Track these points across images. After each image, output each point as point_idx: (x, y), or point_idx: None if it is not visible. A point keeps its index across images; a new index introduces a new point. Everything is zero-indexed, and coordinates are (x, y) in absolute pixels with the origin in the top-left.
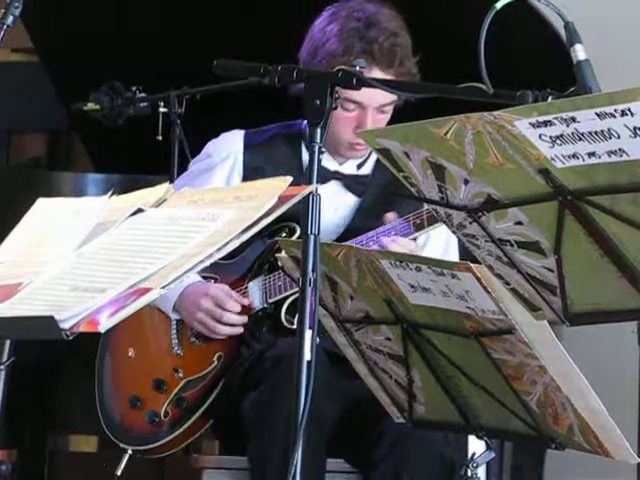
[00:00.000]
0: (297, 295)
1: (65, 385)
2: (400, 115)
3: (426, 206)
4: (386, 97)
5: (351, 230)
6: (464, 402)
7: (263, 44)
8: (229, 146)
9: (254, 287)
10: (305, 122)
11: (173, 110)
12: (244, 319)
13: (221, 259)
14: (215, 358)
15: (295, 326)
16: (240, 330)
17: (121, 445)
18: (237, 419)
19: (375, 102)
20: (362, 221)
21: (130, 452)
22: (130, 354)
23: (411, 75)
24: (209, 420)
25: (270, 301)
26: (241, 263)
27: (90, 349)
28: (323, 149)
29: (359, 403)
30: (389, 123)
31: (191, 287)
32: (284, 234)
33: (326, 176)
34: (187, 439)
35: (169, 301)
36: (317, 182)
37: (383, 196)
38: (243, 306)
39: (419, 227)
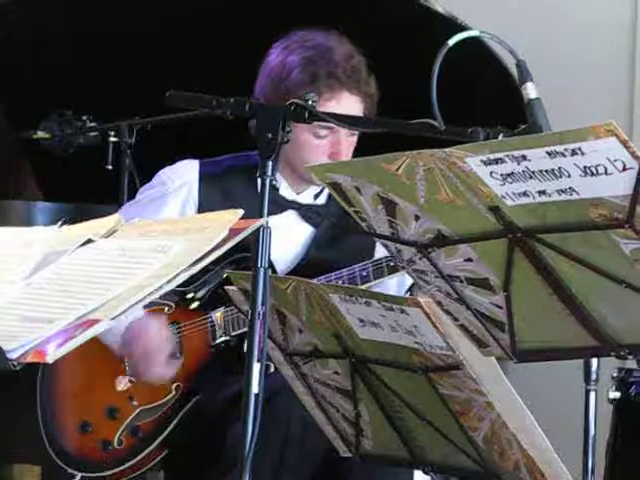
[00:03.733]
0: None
1: (4, 414)
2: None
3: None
4: None
5: (307, 260)
6: (411, 437)
7: (217, 76)
8: (184, 175)
9: (216, 318)
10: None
11: (123, 140)
12: (172, 370)
13: (178, 286)
14: (173, 388)
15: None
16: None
17: (69, 470)
18: (197, 450)
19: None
20: (317, 252)
21: (79, 478)
22: (78, 380)
23: (374, 93)
24: (164, 450)
25: (233, 333)
26: (199, 290)
27: (29, 376)
28: (275, 182)
29: None
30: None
31: (131, 328)
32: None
33: (283, 205)
34: (141, 468)
35: (116, 337)
36: (274, 211)
37: (337, 227)
38: (204, 338)
39: (365, 280)
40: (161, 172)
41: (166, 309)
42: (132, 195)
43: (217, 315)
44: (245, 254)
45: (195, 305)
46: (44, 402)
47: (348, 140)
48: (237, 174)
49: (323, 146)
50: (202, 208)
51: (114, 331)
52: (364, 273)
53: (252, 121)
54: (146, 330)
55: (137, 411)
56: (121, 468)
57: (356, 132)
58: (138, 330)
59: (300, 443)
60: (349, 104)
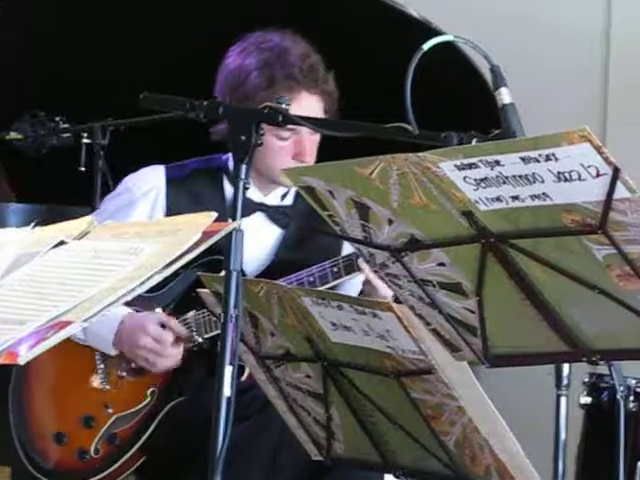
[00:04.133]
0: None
1: None
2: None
3: (343, 253)
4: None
5: (276, 261)
6: (382, 441)
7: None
8: (151, 181)
9: (188, 321)
10: (225, 156)
11: (96, 141)
12: (181, 348)
13: (146, 291)
14: (148, 393)
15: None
16: (179, 360)
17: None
18: (176, 455)
19: None
20: (286, 252)
21: None
22: (51, 390)
23: (333, 91)
24: (141, 457)
25: (205, 336)
26: (167, 295)
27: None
28: (248, 185)
29: None
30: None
31: (128, 322)
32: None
33: (251, 207)
34: (119, 476)
35: (106, 340)
36: (243, 213)
37: (305, 228)
38: (180, 338)
39: (336, 275)
40: (126, 179)
41: None
42: (105, 197)
43: (189, 318)
44: (213, 257)
45: (168, 307)
46: (15, 406)
47: (311, 139)
48: (203, 177)
49: (286, 147)
50: (170, 212)
51: (104, 335)
52: (335, 269)
53: (219, 126)
54: (144, 323)
55: (113, 419)
56: (99, 477)
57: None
58: (136, 325)
59: (292, 447)
60: (309, 104)
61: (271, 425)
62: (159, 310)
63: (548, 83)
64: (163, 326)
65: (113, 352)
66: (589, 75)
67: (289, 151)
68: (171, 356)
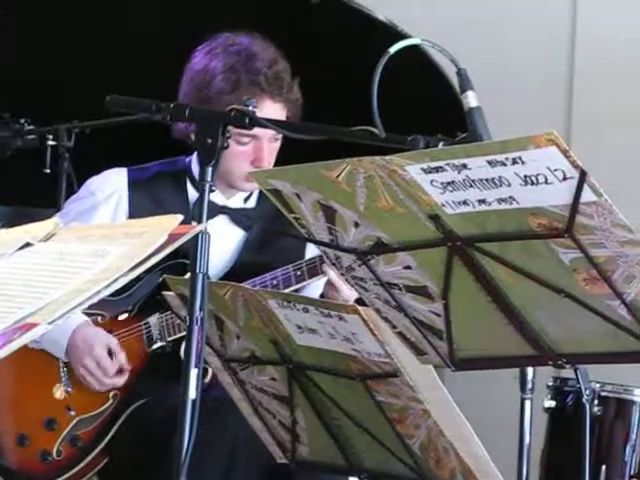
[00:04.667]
0: None
1: None
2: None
3: (307, 255)
4: None
5: (239, 264)
6: (347, 444)
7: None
8: (113, 183)
9: (152, 324)
10: (187, 159)
11: (62, 143)
12: (123, 379)
13: (110, 295)
14: (110, 396)
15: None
16: (121, 382)
17: None
18: (140, 456)
19: (269, 132)
20: (249, 255)
21: None
22: (14, 392)
23: (298, 99)
24: (105, 458)
25: (169, 339)
26: (131, 299)
27: None
28: (213, 187)
29: None
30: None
31: (80, 335)
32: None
33: (214, 210)
34: (82, 477)
35: (60, 347)
36: (206, 218)
37: (269, 230)
38: (140, 345)
39: (300, 279)
40: (89, 182)
41: (99, 318)
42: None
43: (153, 321)
44: (177, 260)
45: (124, 316)
46: None
47: (270, 146)
48: (166, 179)
49: (245, 152)
50: (132, 215)
51: (59, 340)
52: (299, 273)
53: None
54: (92, 345)
55: (75, 421)
56: (62, 478)
57: (279, 138)
58: (86, 342)
59: (250, 444)
60: (272, 111)
61: (229, 424)
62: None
63: (514, 86)
64: (111, 353)
65: (65, 358)
66: (554, 77)
67: (248, 156)
68: (109, 385)
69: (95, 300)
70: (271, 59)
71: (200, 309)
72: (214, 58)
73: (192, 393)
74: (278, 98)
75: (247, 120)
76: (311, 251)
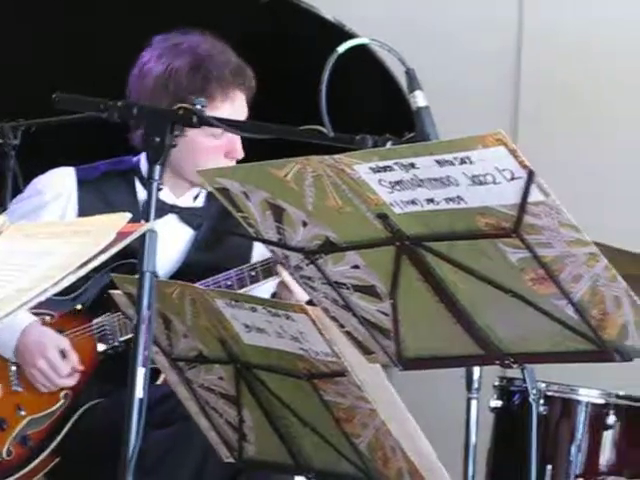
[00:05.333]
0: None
1: None
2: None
3: (254, 255)
4: (245, 116)
5: (187, 263)
6: (294, 443)
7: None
8: (62, 183)
9: (103, 324)
10: (135, 158)
11: (7, 141)
12: (75, 380)
13: (59, 294)
14: (62, 396)
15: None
16: (73, 383)
17: None
18: (92, 457)
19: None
20: (197, 254)
21: None
22: None
23: (254, 86)
24: (55, 459)
25: (121, 339)
26: (81, 298)
27: None
28: (161, 186)
29: None
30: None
31: (30, 336)
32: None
33: (164, 209)
34: (32, 478)
35: (8, 347)
36: (155, 216)
37: (216, 229)
38: (92, 345)
39: (254, 279)
40: (36, 181)
41: (47, 318)
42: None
43: (104, 321)
44: (127, 260)
45: (74, 316)
46: None
47: (240, 138)
48: (114, 179)
49: (220, 146)
50: (82, 214)
51: (7, 341)
52: (253, 273)
53: (138, 131)
54: (44, 347)
55: (26, 421)
56: (11, 478)
57: None
58: (37, 345)
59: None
60: (240, 102)
61: (199, 430)
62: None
63: (461, 86)
64: (63, 354)
65: (14, 359)
66: (501, 78)
67: (222, 149)
68: (60, 385)
69: (43, 298)
70: (228, 52)
71: (148, 308)
72: (175, 58)
73: (139, 393)
74: (243, 87)
75: (195, 119)
76: (258, 251)
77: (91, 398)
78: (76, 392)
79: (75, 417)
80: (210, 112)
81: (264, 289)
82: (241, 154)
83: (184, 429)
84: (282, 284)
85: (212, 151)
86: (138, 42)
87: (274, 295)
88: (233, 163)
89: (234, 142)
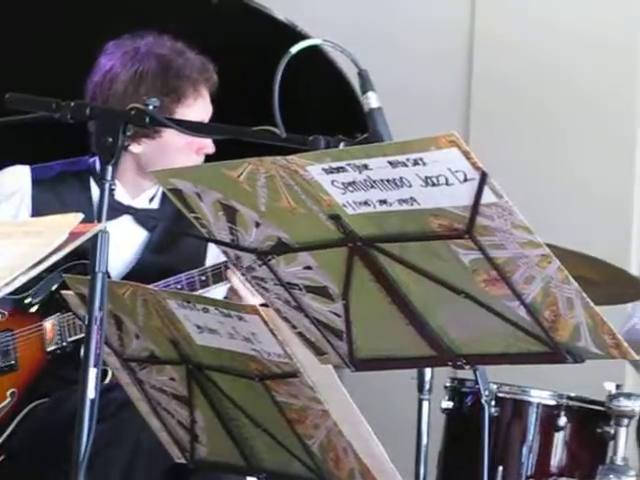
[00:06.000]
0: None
1: None
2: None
3: (208, 257)
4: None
5: (141, 264)
6: (246, 444)
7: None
8: (16, 181)
9: (52, 324)
10: (92, 159)
11: None
12: None
13: (10, 293)
14: (8, 394)
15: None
16: None
17: None
18: (38, 456)
19: (209, 116)
20: (151, 255)
21: None
22: None
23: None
24: (1, 456)
25: (69, 340)
26: (33, 298)
27: None
28: (114, 187)
29: None
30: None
31: None
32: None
33: (119, 210)
34: None
35: None
36: (110, 217)
37: (171, 231)
38: (40, 345)
39: (204, 284)
40: None
41: None
42: None
43: (52, 321)
44: (79, 261)
45: (25, 315)
46: None
47: None
48: (69, 179)
49: (191, 142)
50: (36, 214)
51: None
52: (203, 278)
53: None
54: None
55: None
56: None
57: None
58: None
59: (153, 446)
60: (208, 98)
61: (130, 425)
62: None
63: (414, 88)
64: None
65: None
66: (453, 79)
67: (193, 146)
68: None
69: None
70: (188, 50)
71: (99, 308)
72: (142, 62)
73: (91, 393)
74: (208, 85)
75: (147, 119)
76: (212, 253)
77: (39, 397)
78: (23, 391)
79: (21, 416)
80: (183, 110)
81: (214, 294)
82: (212, 148)
83: (114, 427)
84: (232, 290)
85: (186, 148)
86: (87, 44)
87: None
88: (201, 160)
89: (205, 138)
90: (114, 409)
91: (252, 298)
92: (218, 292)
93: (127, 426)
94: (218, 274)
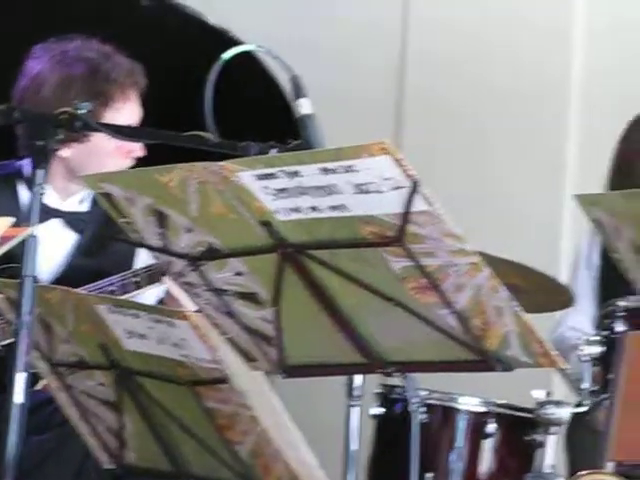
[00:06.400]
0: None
1: None
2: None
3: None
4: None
5: (71, 268)
6: (175, 450)
7: None
8: None
9: None
10: (19, 163)
11: None
12: None
13: None
14: None
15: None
16: None
17: None
18: None
19: (138, 120)
20: (80, 259)
21: None
22: None
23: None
24: None
25: (2, 344)
26: None
27: None
28: (43, 190)
29: None
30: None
31: None
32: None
33: (47, 213)
34: None
35: None
36: (39, 220)
37: (100, 234)
38: None
39: (138, 286)
40: None
41: None
42: None
43: None
44: (6, 265)
45: None
46: None
47: None
48: None
49: (121, 146)
50: None
51: None
52: (137, 279)
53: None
54: None
55: None
56: None
57: None
58: None
59: None
60: (136, 102)
61: (78, 434)
62: None
63: (346, 95)
64: None
65: None
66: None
67: (123, 149)
68: None
69: None
70: (116, 53)
71: (28, 313)
72: (70, 66)
73: (19, 398)
74: (137, 87)
75: (78, 124)
76: (142, 257)
77: None
78: None
79: None
80: (112, 114)
81: (148, 296)
82: (142, 152)
83: (62, 435)
84: (169, 294)
85: (115, 152)
86: (13, 47)
87: (161, 302)
88: (131, 163)
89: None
90: (62, 416)
91: (187, 301)
92: (151, 294)
93: (76, 435)
94: (151, 275)
